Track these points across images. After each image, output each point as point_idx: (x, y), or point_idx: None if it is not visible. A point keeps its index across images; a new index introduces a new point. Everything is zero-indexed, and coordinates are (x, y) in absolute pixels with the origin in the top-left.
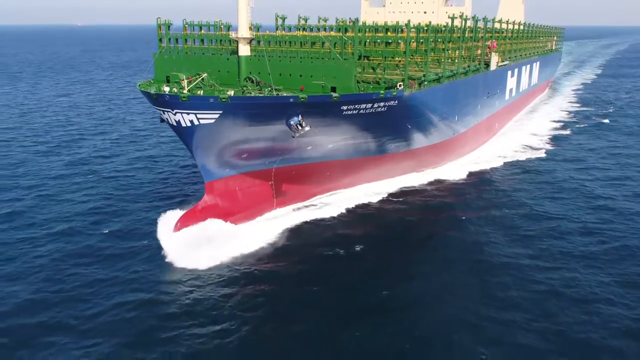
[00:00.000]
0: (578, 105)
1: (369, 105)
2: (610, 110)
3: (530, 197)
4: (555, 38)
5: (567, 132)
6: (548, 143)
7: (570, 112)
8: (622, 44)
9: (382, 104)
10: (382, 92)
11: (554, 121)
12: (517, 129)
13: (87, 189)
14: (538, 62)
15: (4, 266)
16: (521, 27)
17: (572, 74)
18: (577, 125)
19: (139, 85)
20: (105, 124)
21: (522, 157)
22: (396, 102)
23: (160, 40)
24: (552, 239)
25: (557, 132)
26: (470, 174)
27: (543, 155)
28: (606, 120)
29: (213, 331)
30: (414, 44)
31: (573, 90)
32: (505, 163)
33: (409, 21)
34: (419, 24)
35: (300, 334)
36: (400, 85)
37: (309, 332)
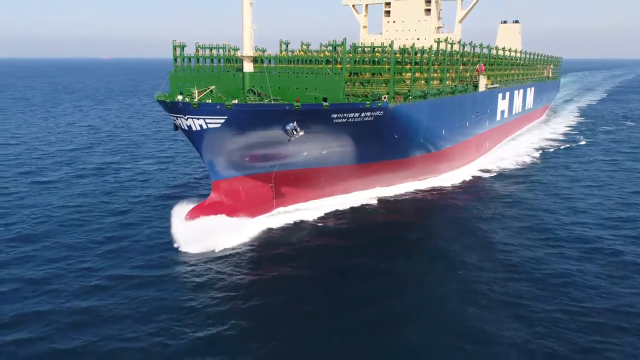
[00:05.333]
0: (583, 118)
1: (357, 114)
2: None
3: (525, 203)
4: (551, 66)
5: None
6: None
7: (575, 124)
8: (630, 74)
9: (368, 114)
10: (368, 102)
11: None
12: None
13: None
14: (533, 88)
15: (48, 236)
16: (512, 53)
17: (578, 98)
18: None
19: (156, 96)
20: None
21: (519, 166)
22: (381, 112)
23: (176, 60)
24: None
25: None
26: (463, 183)
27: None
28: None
29: (209, 307)
30: (400, 65)
31: (579, 107)
32: (510, 168)
33: (392, 42)
34: (404, 45)
35: (289, 312)
36: (384, 98)
37: (298, 311)
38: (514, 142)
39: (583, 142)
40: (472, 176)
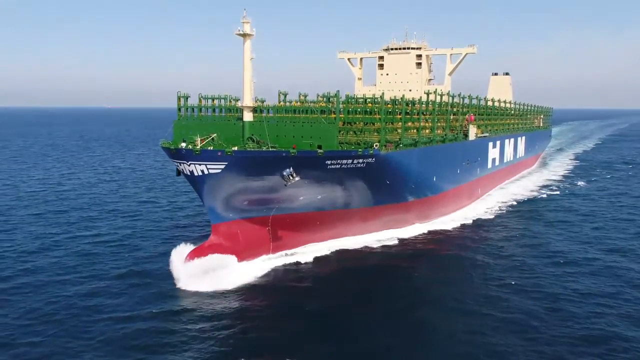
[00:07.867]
0: (577, 162)
1: (350, 161)
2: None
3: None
4: (541, 116)
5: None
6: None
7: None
8: (623, 123)
9: (360, 160)
10: (360, 150)
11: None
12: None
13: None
14: (524, 137)
15: (40, 276)
16: (502, 104)
17: (572, 146)
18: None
19: (162, 143)
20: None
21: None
22: (373, 159)
23: (179, 109)
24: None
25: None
26: (460, 226)
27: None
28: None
29: (208, 344)
30: (391, 115)
31: (574, 153)
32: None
33: (382, 93)
34: (395, 96)
35: (284, 345)
36: (376, 145)
37: (291, 344)
38: (508, 187)
39: (581, 184)
40: (469, 219)
